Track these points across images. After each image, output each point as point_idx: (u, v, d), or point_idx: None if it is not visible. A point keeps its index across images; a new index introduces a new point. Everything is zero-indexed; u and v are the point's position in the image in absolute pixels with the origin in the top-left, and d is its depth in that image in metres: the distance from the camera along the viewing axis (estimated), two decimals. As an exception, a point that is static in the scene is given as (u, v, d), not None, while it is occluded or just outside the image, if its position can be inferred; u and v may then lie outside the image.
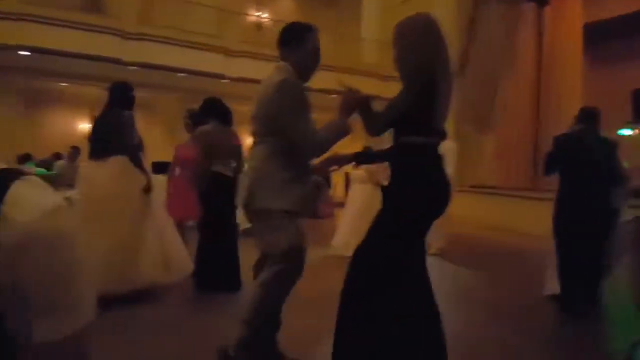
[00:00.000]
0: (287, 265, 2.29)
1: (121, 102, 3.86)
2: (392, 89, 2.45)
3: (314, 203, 6.84)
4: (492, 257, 6.61)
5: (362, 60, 13.51)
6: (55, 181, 6.92)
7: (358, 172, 5.98)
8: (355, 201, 6.05)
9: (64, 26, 9.54)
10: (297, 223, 2.33)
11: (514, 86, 11.52)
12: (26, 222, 0.71)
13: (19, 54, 9.65)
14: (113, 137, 3.68)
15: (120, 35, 10.17)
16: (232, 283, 4.10)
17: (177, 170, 4.68)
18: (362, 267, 2.04)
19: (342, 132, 2.27)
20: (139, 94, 4.09)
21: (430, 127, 2.06)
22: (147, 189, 3.74)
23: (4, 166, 0.79)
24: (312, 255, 2.85)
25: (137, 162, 3.73)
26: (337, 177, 12.28)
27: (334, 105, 2.41)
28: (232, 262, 4.14)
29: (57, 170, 8.59)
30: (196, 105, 4.55)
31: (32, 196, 0.75)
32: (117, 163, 3.68)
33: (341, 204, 7.82)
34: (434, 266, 2.51)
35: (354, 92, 2.22)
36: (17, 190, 0.73)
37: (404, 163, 2.08)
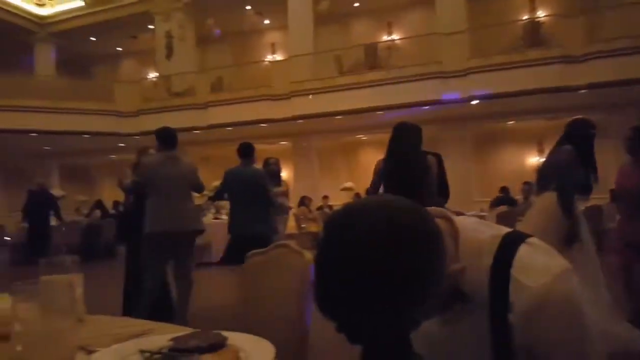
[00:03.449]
0: None
1: (568, 138, 3.50)
2: None
3: None
4: None
5: None
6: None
7: None
8: None
9: (508, 69, 10.07)
10: None
11: None
12: (536, 287, 0.72)
13: (471, 104, 10.82)
14: (552, 173, 3.38)
15: (566, 61, 9.81)
16: None
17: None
18: None
19: None
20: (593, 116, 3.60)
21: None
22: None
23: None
24: None
25: (565, 201, 3.24)
26: None
27: None
28: None
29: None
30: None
31: (539, 260, 0.76)
32: (546, 199, 3.35)
33: None
34: None
35: None
36: (525, 254, 0.76)
37: None
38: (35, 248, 8.05)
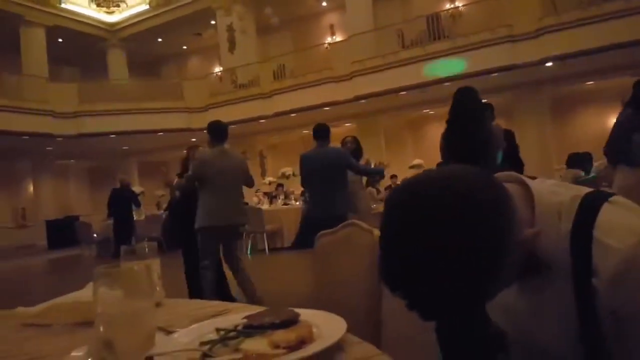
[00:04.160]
0: None
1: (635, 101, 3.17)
2: None
3: None
4: None
5: None
6: (595, 184, 6.60)
7: None
8: None
9: (584, 25, 9.33)
10: None
11: None
12: (622, 248, 0.67)
13: (546, 66, 10.15)
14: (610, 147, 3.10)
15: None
16: None
17: None
18: None
19: None
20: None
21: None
22: None
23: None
24: None
25: None
26: None
27: None
28: None
29: (596, 172, 8.23)
30: None
31: (624, 219, 0.70)
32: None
33: None
34: None
35: None
36: (609, 214, 0.71)
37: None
38: (120, 242, 8.63)
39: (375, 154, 13.46)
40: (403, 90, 11.48)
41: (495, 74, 10.48)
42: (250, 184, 4.37)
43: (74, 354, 0.88)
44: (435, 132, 13.16)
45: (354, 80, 12.10)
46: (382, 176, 6.08)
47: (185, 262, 4.45)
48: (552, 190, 0.77)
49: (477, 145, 3.14)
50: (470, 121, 3.22)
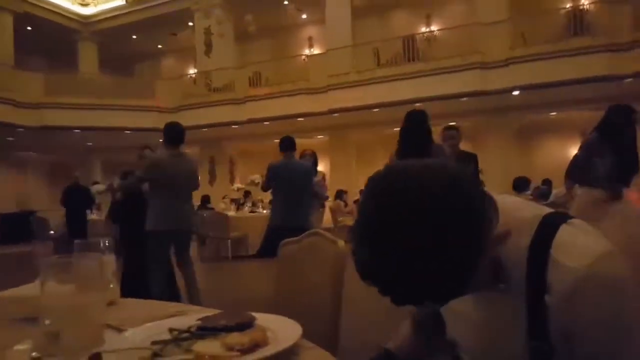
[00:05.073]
0: None
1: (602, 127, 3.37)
2: None
3: None
4: None
5: None
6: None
7: None
8: None
9: (552, 58, 9.70)
10: None
11: None
12: (577, 268, 0.68)
13: (513, 94, 10.50)
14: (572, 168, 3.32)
15: (612, 50, 9.37)
16: None
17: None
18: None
19: None
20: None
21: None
22: None
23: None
24: None
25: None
26: None
27: None
28: None
29: (554, 199, 8.53)
30: None
31: (580, 240, 0.72)
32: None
33: None
34: None
35: None
36: (566, 235, 0.72)
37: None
38: (74, 238, 8.34)
39: (345, 168, 13.58)
40: (377, 107, 11.64)
41: (465, 99, 10.77)
42: (196, 187, 4.31)
43: (17, 347, 0.85)
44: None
45: (329, 93, 12.19)
46: (323, 205, 6.28)
47: (125, 264, 4.30)
48: (516, 207, 0.79)
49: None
50: (423, 140, 3.39)
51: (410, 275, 0.65)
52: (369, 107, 11.65)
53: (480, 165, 4.74)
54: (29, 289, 1.25)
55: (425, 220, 0.64)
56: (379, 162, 14.64)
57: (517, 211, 0.78)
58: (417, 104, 10.86)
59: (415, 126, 3.46)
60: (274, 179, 4.43)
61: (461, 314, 0.84)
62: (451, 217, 0.65)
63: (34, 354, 0.77)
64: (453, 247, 0.64)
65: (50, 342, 0.65)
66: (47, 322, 0.66)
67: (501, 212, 0.76)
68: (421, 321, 0.90)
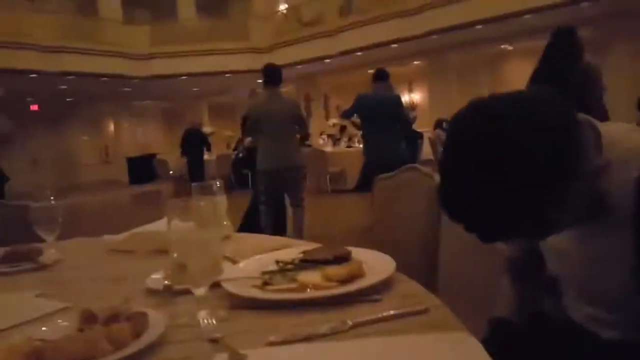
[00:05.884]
0: None
1: None
2: None
3: None
4: None
5: None
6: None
7: None
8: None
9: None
10: None
11: None
12: None
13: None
14: None
15: None
16: None
17: None
18: None
19: None
20: None
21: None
22: None
23: None
24: None
25: None
26: None
27: None
28: None
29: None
30: None
31: None
32: None
33: None
34: None
35: None
36: None
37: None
38: (194, 179, 9.11)
39: (445, 94, 12.93)
40: (478, 24, 10.71)
41: (586, 3, 9.41)
42: (302, 131, 4.42)
43: (153, 276, 1.00)
44: (514, 70, 12.32)
45: (424, 14, 11.43)
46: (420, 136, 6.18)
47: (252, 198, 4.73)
48: (624, 137, 0.75)
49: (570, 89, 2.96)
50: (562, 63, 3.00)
51: (495, 206, 0.65)
52: (470, 24, 10.71)
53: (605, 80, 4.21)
54: (160, 225, 1.44)
55: (508, 147, 0.63)
56: (484, 85, 13.71)
57: (624, 141, 0.74)
58: (526, 16, 9.79)
59: (563, 43, 3.06)
60: (358, 109, 4.46)
61: (558, 250, 0.83)
62: (535, 142, 0.64)
63: (166, 281, 0.91)
64: (538, 172, 0.64)
65: (180, 272, 0.77)
66: (175, 254, 0.77)
67: (607, 143, 0.72)
68: (513, 259, 0.90)
